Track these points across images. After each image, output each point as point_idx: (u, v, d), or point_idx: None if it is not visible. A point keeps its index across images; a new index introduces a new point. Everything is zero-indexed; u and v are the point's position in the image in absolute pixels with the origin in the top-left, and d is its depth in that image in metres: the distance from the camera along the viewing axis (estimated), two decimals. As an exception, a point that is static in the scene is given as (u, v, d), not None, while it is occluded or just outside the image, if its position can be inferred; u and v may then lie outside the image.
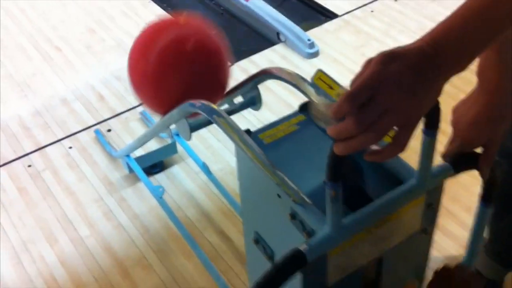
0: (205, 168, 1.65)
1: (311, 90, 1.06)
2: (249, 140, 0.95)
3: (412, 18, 2.40)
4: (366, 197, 0.87)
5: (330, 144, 0.73)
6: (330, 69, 2.16)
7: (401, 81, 0.68)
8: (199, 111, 1.09)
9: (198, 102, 1.10)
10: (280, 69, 1.17)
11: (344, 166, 0.75)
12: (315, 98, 1.05)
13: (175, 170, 1.76)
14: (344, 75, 2.13)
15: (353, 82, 0.72)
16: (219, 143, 1.84)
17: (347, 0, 2.55)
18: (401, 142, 0.70)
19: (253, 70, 2.19)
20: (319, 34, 2.36)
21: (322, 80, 1.05)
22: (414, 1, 2.49)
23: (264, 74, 1.21)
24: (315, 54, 2.27)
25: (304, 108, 1.06)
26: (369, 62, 0.71)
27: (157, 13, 2.52)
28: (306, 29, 2.37)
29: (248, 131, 1.00)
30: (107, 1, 2.59)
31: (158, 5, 2.58)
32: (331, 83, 1.04)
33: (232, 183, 1.69)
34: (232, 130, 0.97)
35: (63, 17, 2.50)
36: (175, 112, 1.19)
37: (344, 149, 0.72)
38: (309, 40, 2.29)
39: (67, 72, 2.19)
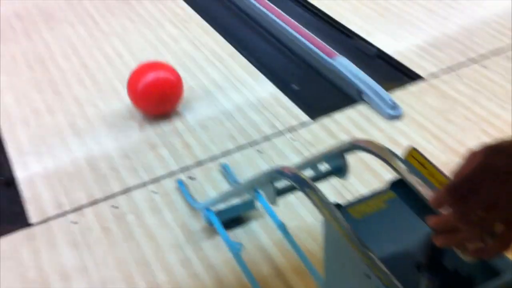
0: (282, 228, 1.67)
1: (402, 168, 1.06)
2: (340, 216, 0.96)
3: (501, 85, 2.35)
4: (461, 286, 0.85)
5: (422, 227, 0.73)
6: (413, 133, 2.15)
7: (506, 175, 0.67)
8: (288, 180, 1.11)
9: (288, 170, 1.12)
10: (370, 142, 1.18)
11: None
12: (407, 176, 1.04)
13: (253, 225, 1.79)
14: (428, 140, 2.11)
15: (456, 173, 0.72)
16: (296, 199, 1.85)
17: (433, 63, 2.54)
18: (506, 240, 0.69)
19: (333, 128, 2.23)
20: (402, 95, 2.36)
21: (415, 158, 1.05)
22: (503, 68, 2.45)
23: (353, 146, 1.22)
24: (397, 116, 2.26)
25: (395, 185, 1.06)
26: (472, 154, 0.71)
27: (242, 64, 2.60)
28: (389, 89, 2.37)
29: (338, 205, 1.01)
30: (196, 50, 2.71)
31: (244, 56, 2.66)
32: (424, 162, 1.04)
33: (307, 243, 1.70)
34: (322, 204, 0.99)
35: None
36: (262, 176, 1.22)
37: (444, 243, 0.71)
38: (391, 101, 2.29)
39: (156, 117, 2.29)
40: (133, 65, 2.61)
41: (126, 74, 2.54)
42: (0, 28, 2.96)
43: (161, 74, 2.23)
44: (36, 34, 2.90)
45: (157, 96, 2.20)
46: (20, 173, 2.05)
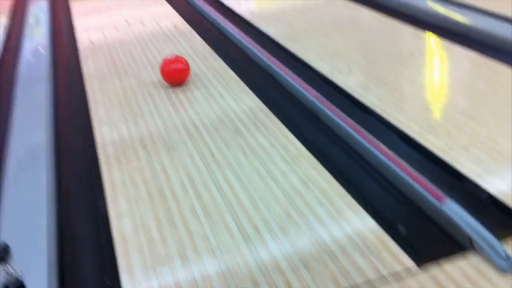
0: None
1: None
2: None
3: None
4: None
5: None
6: (529, 290, 2.03)
7: None
8: None
9: None
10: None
11: None
12: None
13: None
14: (546, 299, 1.97)
15: None
16: None
17: (551, 213, 2.42)
18: None
19: (442, 278, 2.15)
20: (517, 247, 2.26)
21: None
22: None
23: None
24: (511, 268, 2.15)
25: None
26: None
27: (349, 203, 2.63)
28: (502, 238, 2.28)
29: None
30: (305, 186, 2.80)
31: (351, 195, 2.70)
32: None
33: None
34: None
35: (264, 195, 2.75)
36: None
37: None
38: (505, 252, 2.19)
39: (261, 253, 2.36)
40: (244, 199, 2.74)
41: (237, 209, 2.67)
42: (125, 154, 3.27)
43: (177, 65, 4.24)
44: (157, 162, 3.16)
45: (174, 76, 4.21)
46: (131, 300, 2.17)
